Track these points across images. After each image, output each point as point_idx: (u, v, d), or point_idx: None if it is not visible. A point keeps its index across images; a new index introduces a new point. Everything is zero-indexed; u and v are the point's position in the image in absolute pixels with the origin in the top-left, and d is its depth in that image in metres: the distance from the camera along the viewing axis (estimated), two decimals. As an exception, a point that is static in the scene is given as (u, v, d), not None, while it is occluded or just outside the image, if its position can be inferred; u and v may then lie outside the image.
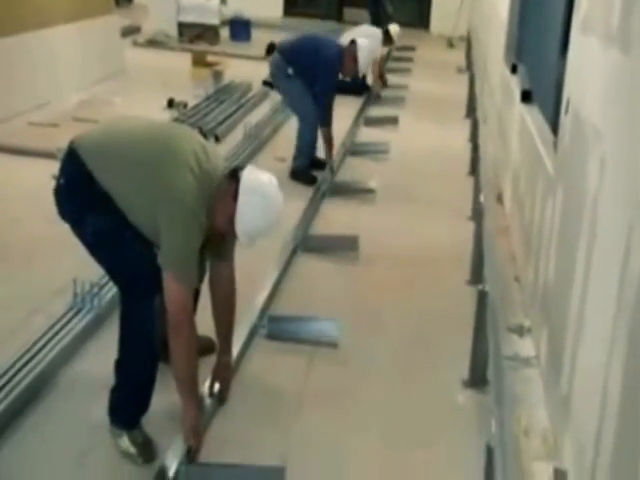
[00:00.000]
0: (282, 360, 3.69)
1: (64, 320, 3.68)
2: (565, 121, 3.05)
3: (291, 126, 7.11)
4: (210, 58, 10.58)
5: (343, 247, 4.96)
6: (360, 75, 6.83)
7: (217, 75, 9.60)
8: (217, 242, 3.05)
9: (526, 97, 4.54)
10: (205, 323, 3.26)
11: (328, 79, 6.11)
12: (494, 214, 4.47)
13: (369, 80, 9.68)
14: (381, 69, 10.18)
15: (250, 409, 3.29)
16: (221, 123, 7.56)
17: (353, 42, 6.29)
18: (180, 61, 10.54)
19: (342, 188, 6.15)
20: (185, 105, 8.13)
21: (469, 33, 14.00)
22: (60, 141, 3.63)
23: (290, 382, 3.52)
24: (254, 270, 4.16)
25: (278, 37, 12.65)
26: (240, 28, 13.30)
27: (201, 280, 3.12)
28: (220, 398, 3.27)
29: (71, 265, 3.84)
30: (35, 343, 3.46)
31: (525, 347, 3.26)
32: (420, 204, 5.99)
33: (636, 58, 2.05)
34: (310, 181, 6.13)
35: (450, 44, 14.60)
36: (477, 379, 3.47)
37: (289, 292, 4.36)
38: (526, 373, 3.00)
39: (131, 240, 2.88)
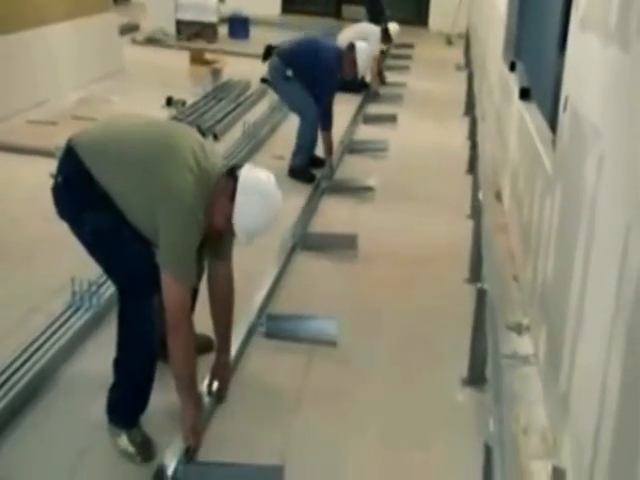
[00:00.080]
0: (281, 359, 3.68)
1: (63, 319, 3.68)
2: (564, 119, 3.05)
3: (290, 124, 7.11)
4: (208, 56, 10.57)
5: (342, 245, 4.96)
6: (359, 76, 6.84)
7: (215, 73, 9.59)
8: (215, 241, 3.05)
9: (525, 95, 4.53)
10: (203, 322, 3.26)
11: (328, 82, 6.12)
12: (493, 212, 4.46)
13: (367, 78, 9.68)
14: (379, 67, 10.17)
15: (249, 408, 3.29)
16: (219, 121, 7.56)
17: (352, 46, 6.30)
18: (178, 59, 10.53)
19: (341, 186, 6.15)
20: (183, 103, 8.13)
21: (468, 30, 13.99)
22: (58, 139, 3.63)
23: (289, 381, 3.52)
24: (252, 268, 4.16)
25: (277, 35, 12.75)
26: (238, 26, 13.28)
27: (199, 279, 3.12)
28: (219, 397, 3.27)
29: (70, 264, 3.84)
30: (34, 342, 3.46)
31: (524, 345, 3.26)
32: (419, 202, 5.99)
33: (635, 55, 2.04)
34: (309, 179, 6.12)
35: (449, 42, 14.59)
36: (476, 377, 3.47)
37: (288, 290, 4.36)
38: (525, 371, 3.00)
39: (129, 239, 2.88)
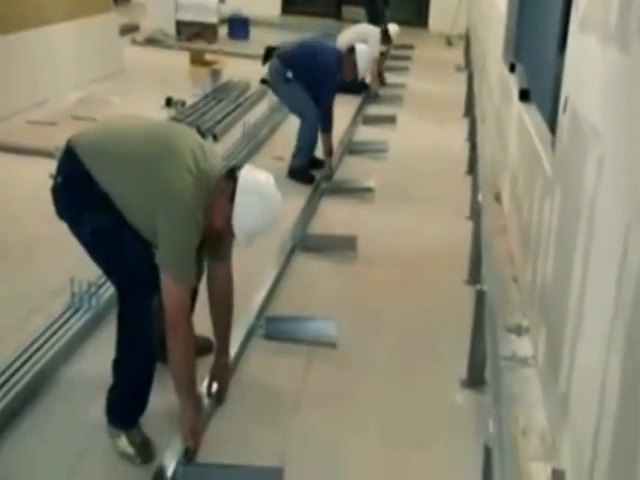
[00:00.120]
0: (280, 360, 3.68)
1: (62, 320, 3.67)
2: (563, 120, 3.05)
3: (289, 125, 7.12)
4: (208, 57, 10.56)
5: (341, 246, 4.96)
6: (359, 78, 6.86)
7: (215, 74, 9.59)
8: (215, 242, 3.05)
9: (524, 96, 4.54)
10: (203, 323, 3.26)
11: (328, 84, 6.13)
12: (492, 213, 4.46)
13: (367, 79, 9.68)
14: (379, 68, 10.17)
15: (248, 409, 3.28)
16: (219, 122, 7.56)
17: (352, 48, 6.31)
18: (178, 60, 10.53)
19: (340, 187, 6.15)
20: (183, 104, 8.13)
21: (468, 31, 13.99)
22: (58, 140, 3.63)
23: (288, 382, 3.52)
24: (252, 269, 4.16)
25: (276, 35, 12.75)
26: (238, 26, 13.28)
27: (199, 280, 3.12)
28: (218, 398, 3.27)
29: (69, 264, 3.84)
30: (33, 343, 3.46)
31: (523, 347, 3.26)
32: (418, 203, 5.99)
33: (634, 56, 2.04)
34: (308, 180, 6.12)
35: (449, 42, 14.60)
36: (475, 379, 3.46)
37: (287, 292, 4.36)
38: (524, 373, 3.00)
39: (129, 239, 2.87)
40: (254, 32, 13.40)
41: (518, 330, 3.43)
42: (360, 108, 8.83)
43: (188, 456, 2.86)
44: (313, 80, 6.04)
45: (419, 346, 3.90)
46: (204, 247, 2.98)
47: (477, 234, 4.31)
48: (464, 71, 11.18)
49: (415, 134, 8.07)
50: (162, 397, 3.07)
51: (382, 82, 10.26)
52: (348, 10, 16.13)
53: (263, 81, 7.99)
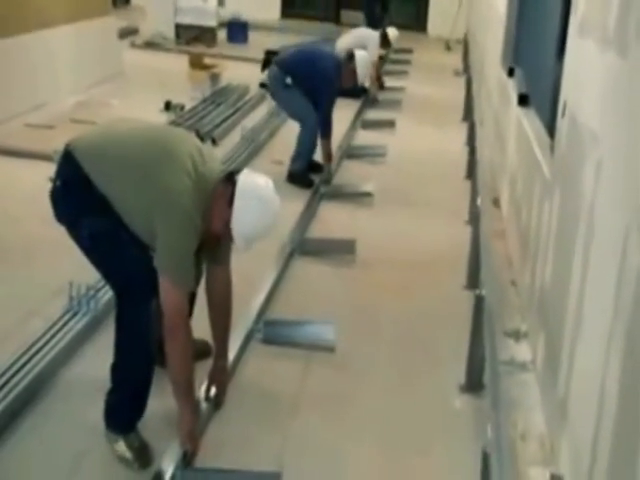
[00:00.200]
0: (278, 364, 3.68)
1: (61, 322, 3.67)
2: (562, 124, 3.05)
3: (288, 129, 7.12)
4: (207, 60, 10.57)
5: (340, 250, 4.96)
6: (359, 84, 6.88)
7: (214, 77, 9.59)
8: (213, 245, 3.05)
9: (523, 100, 4.54)
10: (201, 327, 3.25)
11: (327, 90, 6.13)
12: (491, 218, 4.46)
13: (366, 83, 9.69)
14: (378, 72, 10.18)
15: (246, 413, 3.28)
16: (218, 126, 7.56)
17: (351, 55, 6.32)
18: (177, 63, 10.54)
19: (339, 191, 6.15)
20: (182, 107, 8.13)
21: (466, 36, 14.01)
22: (57, 143, 3.63)
23: (286, 386, 3.52)
24: (251, 273, 4.16)
25: (276, 39, 12.76)
26: (237, 30, 13.30)
27: (197, 283, 3.11)
28: (216, 402, 3.26)
29: (68, 267, 3.83)
30: (32, 345, 3.45)
31: (521, 352, 3.26)
32: (417, 208, 5.99)
33: (633, 61, 2.05)
34: (307, 184, 6.12)
35: (447, 47, 14.61)
36: (474, 384, 3.46)
37: (286, 295, 4.36)
38: (522, 377, 3.00)
39: (127, 243, 2.87)
40: (253, 36, 13.41)
41: (516, 335, 3.43)
42: (359, 112, 8.84)
43: (186, 460, 2.86)
44: (312, 87, 6.05)
45: (417, 350, 3.90)
46: (203, 251, 2.98)
47: (476, 239, 4.31)
48: (463, 75, 11.20)
49: (414, 138, 8.08)
50: (160, 401, 3.06)
51: (381, 86, 10.27)
52: (347, 14, 16.15)
53: (262, 85, 8.01)
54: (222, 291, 3.20)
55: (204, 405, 3.19)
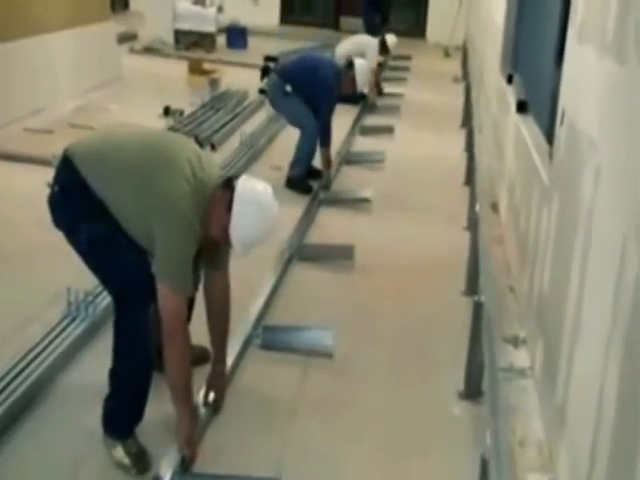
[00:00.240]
0: (277, 370, 3.68)
1: (59, 328, 3.67)
2: (560, 132, 3.05)
3: (287, 135, 7.13)
4: (206, 66, 10.59)
5: (339, 256, 4.96)
6: (358, 91, 6.90)
7: (213, 83, 9.61)
8: (212, 251, 3.05)
9: (522, 107, 4.54)
10: (200, 332, 3.25)
11: (326, 98, 6.16)
12: (489, 223, 4.46)
13: (365, 89, 9.70)
14: (377, 78, 10.20)
15: (245, 419, 3.28)
16: (217, 131, 7.57)
17: (351, 64, 6.34)
18: (176, 69, 10.55)
19: (338, 197, 6.16)
20: (181, 113, 8.14)
21: (465, 42, 14.02)
22: (55, 148, 3.63)
23: (285, 392, 3.52)
24: (250, 278, 4.16)
25: (275, 45, 12.78)
26: (237, 36, 13.33)
27: (196, 288, 3.11)
28: (215, 407, 3.26)
29: (66, 272, 3.83)
30: (30, 351, 3.45)
31: (520, 358, 3.25)
32: (416, 213, 6.00)
33: (632, 68, 2.05)
34: (306, 190, 6.13)
35: (446, 53, 14.64)
36: (472, 390, 3.46)
37: (285, 301, 4.36)
38: (521, 384, 2.99)
39: (125, 248, 2.87)
40: (252, 41, 13.44)
41: (515, 341, 3.42)
42: (358, 119, 8.85)
43: (184, 466, 2.86)
44: (312, 94, 6.07)
45: (416, 356, 3.90)
46: (201, 256, 2.98)
47: (474, 245, 4.31)
48: (461, 82, 11.22)
49: (413, 144, 8.09)
50: (158, 406, 3.06)
51: (380, 92, 10.29)
52: (346, 20, 16.19)
53: (261, 91, 8.02)
54: (221, 296, 3.21)
55: (202, 410, 3.19)
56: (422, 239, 5.46)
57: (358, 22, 12.81)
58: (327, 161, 6.31)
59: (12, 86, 7.25)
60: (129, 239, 2.86)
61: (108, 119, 7.40)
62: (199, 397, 3.22)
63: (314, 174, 6.36)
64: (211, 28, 12.68)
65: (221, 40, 13.18)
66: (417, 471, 3.06)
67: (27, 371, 3.31)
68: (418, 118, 9.28)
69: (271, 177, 5.33)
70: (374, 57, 9.31)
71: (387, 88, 10.66)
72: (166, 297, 2.77)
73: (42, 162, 5.73)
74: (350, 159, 7.27)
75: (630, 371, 1.83)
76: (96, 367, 3.26)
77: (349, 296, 4.52)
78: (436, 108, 9.96)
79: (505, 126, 5.33)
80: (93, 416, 3.03)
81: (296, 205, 5.69)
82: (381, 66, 11.04)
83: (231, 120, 8.07)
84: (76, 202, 2.90)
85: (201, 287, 3.19)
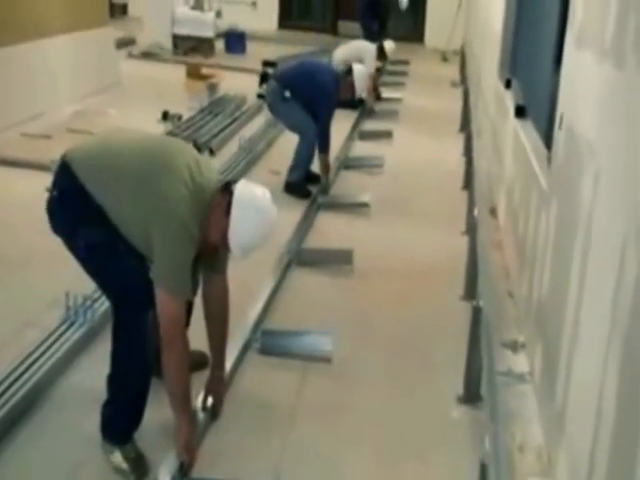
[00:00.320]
0: (276, 375, 3.67)
1: (57, 333, 3.66)
2: (559, 136, 3.05)
3: (286, 139, 7.13)
4: (205, 71, 10.60)
5: (337, 261, 4.96)
6: (357, 97, 6.91)
7: (212, 88, 9.61)
8: (210, 255, 3.04)
9: (520, 112, 4.55)
10: (198, 337, 3.25)
11: (325, 103, 6.16)
12: (488, 228, 4.46)
13: (363, 94, 9.71)
14: (375, 83, 10.21)
15: (243, 424, 3.27)
16: (215, 136, 7.57)
17: (350, 70, 6.35)
18: (175, 73, 10.56)
19: (337, 202, 6.16)
20: (180, 117, 8.14)
21: (463, 47, 14.04)
22: (53, 153, 3.63)
23: (284, 396, 3.51)
24: (248, 283, 4.15)
25: (273, 50, 12.79)
26: (235, 41, 13.34)
27: (194, 293, 3.11)
28: (213, 413, 3.25)
29: (65, 277, 3.82)
30: (28, 356, 3.45)
31: (519, 363, 3.25)
32: (414, 218, 6.00)
33: (630, 73, 2.05)
34: (305, 195, 6.13)
35: (444, 58, 14.66)
36: (471, 395, 3.46)
37: (283, 305, 4.35)
38: (520, 389, 2.99)
39: (124, 254, 2.87)
40: (251, 46, 13.46)
41: (514, 346, 3.42)
42: (356, 123, 8.86)
43: (183, 471, 2.85)
44: (311, 100, 6.08)
45: (415, 361, 3.89)
46: (200, 260, 2.97)
47: (473, 249, 4.31)
48: (460, 87, 11.24)
49: (411, 149, 8.10)
50: (157, 412, 3.06)
51: (378, 97, 10.30)
52: (345, 25, 16.20)
53: (260, 96, 8.02)
54: (219, 301, 3.20)
55: (201, 415, 3.19)
56: (421, 244, 5.46)
57: (356, 27, 12.82)
58: (325, 167, 6.32)
59: (10, 91, 7.25)
60: (128, 244, 2.86)
61: (106, 124, 7.41)
62: (198, 402, 3.21)
63: (313, 179, 6.36)
64: (209, 33, 12.70)
65: (219, 45, 13.19)
66: (416, 476, 3.06)
67: (25, 376, 3.30)
68: (416, 123, 9.29)
69: (270, 182, 5.33)
70: (372, 62, 9.32)
71: (385, 93, 10.67)
72: (164, 302, 2.77)
73: (40, 167, 5.73)
74: (349, 164, 7.27)
75: (629, 376, 1.83)
76: (94, 372, 3.25)
77: (348, 301, 4.52)
78: (434, 113, 9.97)
79: (503, 131, 5.33)
80: (91, 421, 3.03)
81: (295, 209, 5.68)
82: (379, 71, 11.05)
83: (229, 125, 8.07)
84: (74, 207, 2.90)
85: (200, 292, 3.19)
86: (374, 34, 11.37)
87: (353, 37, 10.80)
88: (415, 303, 4.52)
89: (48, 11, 7.87)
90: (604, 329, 2.05)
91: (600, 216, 2.28)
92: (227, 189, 2.88)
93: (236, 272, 3.31)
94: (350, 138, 8.14)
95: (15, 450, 2.99)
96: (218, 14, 13.35)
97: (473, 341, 3.40)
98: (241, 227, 2.84)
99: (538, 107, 4.06)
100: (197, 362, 3.35)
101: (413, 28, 16.52)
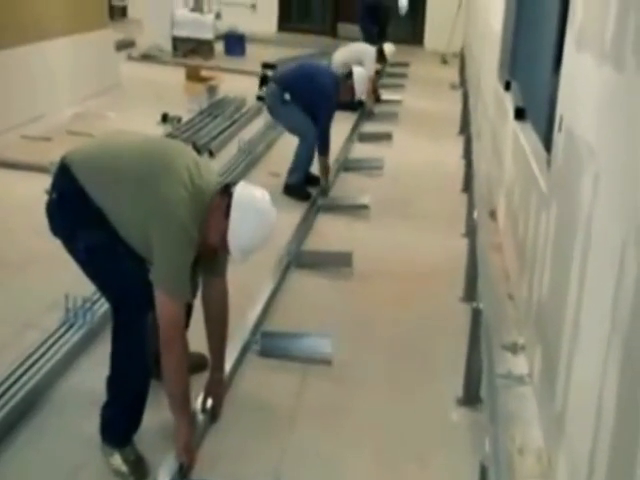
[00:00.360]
0: (275, 377, 3.67)
1: (57, 335, 3.66)
2: (558, 138, 3.05)
3: (285, 141, 7.13)
4: (204, 73, 10.60)
5: (337, 263, 4.96)
6: (356, 99, 6.92)
7: (211, 90, 9.62)
8: (210, 257, 3.04)
9: (519, 114, 4.55)
10: (198, 339, 3.24)
11: (326, 105, 6.16)
12: (487, 230, 4.46)
13: (362, 96, 9.71)
14: (374, 85, 10.22)
15: (243, 426, 3.27)
16: (215, 138, 7.57)
17: (350, 73, 6.36)
18: (174, 75, 10.56)
19: (336, 204, 6.16)
20: (179, 120, 8.14)
21: (463, 49, 14.05)
22: (53, 155, 3.63)
23: (283, 398, 3.51)
24: (247, 285, 4.15)
25: (272, 52, 12.80)
26: (234, 43, 13.35)
27: (194, 295, 3.11)
28: (213, 414, 3.25)
29: (64, 279, 3.82)
30: (28, 358, 3.44)
31: (519, 365, 3.25)
32: (414, 220, 6.00)
33: (630, 75, 2.05)
34: (304, 197, 6.13)
35: (444, 60, 14.67)
36: (471, 397, 3.46)
37: (283, 308, 4.35)
38: (520, 391, 2.99)
39: (123, 256, 2.87)
40: (250, 48, 13.46)
41: (514, 348, 3.42)
42: (356, 125, 8.86)
43: (182, 473, 2.85)
44: (311, 102, 6.08)
45: (415, 363, 3.89)
46: (199, 263, 2.97)
47: (473, 252, 4.31)
48: (459, 89, 11.24)
49: (411, 151, 8.10)
50: (156, 414, 3.06)
51: (377, 99, 10.30)
52: (344, 28, 16.21)
53: (259, 98, 8.02)
54: (218, 302, 3.20)
55: (200, 417, 3.18)
56: (420, 246, 5.46)
57: (356, 29, 12.83)
58: (325, 169, 6.31)
59: (10, 93, 7.26)
60: (127, 247, 2.86)
61: (106, 126, 7.41)
62: (197, 404, 3.21)
63: (312, 181, 6.36)
64: (209, 35, 12.70)
65: (219, 47, 13.20)
66: (416, 478, 3.06)
67: (25, 378, 3.30)
68: (416, 125, 9.29)
69: (269, 184, 5.33)
70: (371, 65, 9.32)
71: (385, 95, 10.68)
72: (164, 304, 2.77)
73: (40, 169, 5.72)
74: (348, 166, 7.27)
75: (629, 377, 1.83)
76: (94, 374, 3.25)
77: (347, 303, 4.52)
78: (434, 115, 9.97)
79: (503, 133, 5.33)
80: (91, 424, 3.02)
81: (294, 211, 5.68)
82: (378, 74, 11.06)
83: (229, 127, 8.07)
84: (74, 210, 2.90)
85: (199, 294, 3.19)
86: (374, 37, 11.38)
87: (353, 39, 10.81)
88: (415, 305, 4.52)
89: (48, 13, 7.87)
90: (604, 330, 2.05)
91: (600, 218, 2.27)
92: (226, 191, 2.88)
93: (235, 274, 3.31)
94: (350, 140, 8.14)
95: (15, 452, 2.99)
96: (217, 16, 13.36)
97: (473, 343, 3.40)
98: (240, 229, 2.84)
99: (538, 109, 4.06)
100: (196, 364, 3.35)
101: (412, 31, 16.53)
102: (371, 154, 7.64)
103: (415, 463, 3.13)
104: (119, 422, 2.99)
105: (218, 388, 3.29)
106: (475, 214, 4.54)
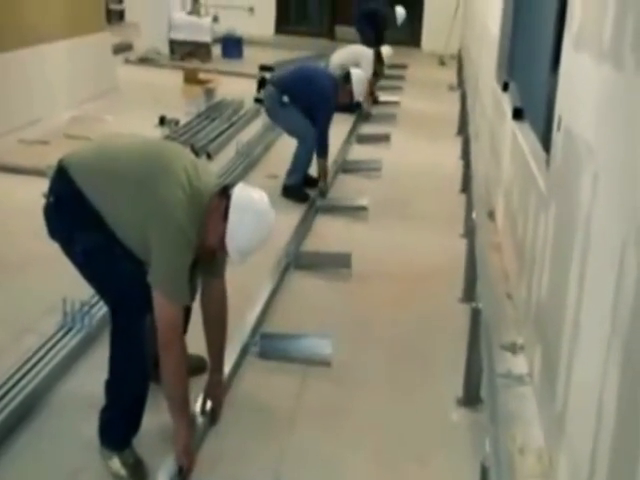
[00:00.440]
0: (275, 378, 3.66)
1: (55, 339, 3.65)
2: (557, 138, 3.05)
3: (283, 143, 7.13)
4: (202, 75, 10.61)
5: (336, 264, 4.95)
6: (354, 101, 6.93)
7: (209, 92, 9.62)
8: (208, 259, 3.04)
9: (518, 114, 4.55)
10: (197, 342, 3.24)
11: (324, 108, 6.16)
12: (486, 231, 4.46)
13: (360, 98, 9.71)
14: (371, 87, 10.21)
15: (243, 428, 3.26)
16: (213, 140, 7.57)
17: (347, 76, 6.36)
18: (172, 78, 10.57)
19: (335, 205, 6.15)
20: (177, 122, 8.14)
21: (460, 51, 14.06)
22: (51, 158, 3.62)
23: (283, 400, 3.50)
24: (246, 287, 4.14)
25: (270, 55, 12.80)
26: (232, 46, 13.36)
27: (193, 298, 3.10)
28: (212, 417, 3.24)
29: (62, 283, 3.81)
30: (26, 362, 3.43)
31: (519, 364, 3.25)
32: (412, 221, 6.00)
33: (629, 74, 2.05)
34: (302, 199, 6.13)
35: (441, 62, 14.68)
36: (471, 397, 3.45)
37: (282, 309, 4.35)
38: (520, 391, 2.98)
39: (121, 259, 2.86)
40: (248, 51, 13.47)
41: (513, 348, 3.42)
42: (354, 127, 8.86)
43: (182, 475, 2.84)
44: (309, 105, 6.08)
45: (414, 364, 3.88)
46: (198, 265, 2.97)
47: (471, 252, 4.31)
48: (457, 90, 11.24)
49: (409, 152, 8.10)
50: (155, 417, 3.05)
51: (374, 101, 10.30)
52: (341, 30, 16.22)
53: (257, 100, 8.02)
54: (217, 304, 3.19)
55: (200, 420, 3.17)
56: (419, 247, 5.46)
57: (353, 32, 12.83)
58: (324, 171, 6.31)
59: (8, 97, 7.25)
60: (125, 249, 2.85)
61: (104, 129, 7.40)
62: (197, 406, 3.20)
63: (311, 182, 6.36)
64: (206, 38, 12.70)
65: (216, 50, 13.20)
66: (416, 478, 3.05)
67: (23, 382, 3.29)
68: (414, 126, 9.29)
69: (267, 185, 5.33)
70: (369, 67, 9.33)
71: (383, 96, 10.68)
72: (162, 307, 2.76)
73: (38, 173, 5.71)
74: (347, 167, 7.27)
75: (630, 377, 1.82)
76: (92, 378, 3.24)
77: (346, 304, 4.51)
78: (432, 116, 9.97)
79: (501, 133, 5.33)
80: (90, 427, 3.02)
81: (293, 213, 5.68)
82: (376, 76, 11.06)
83: (227, 129, 8.07)
84: (71, 212, 2.89)
85: (198, 296, 3.18)
86: (371, 39, 11.38)
87: (350, 42, 10.81)
88: (414, 306, 4.52)
89: (45, 17, 7.87)
90: (604, 330, 2.04)
91: (599, 218, 2.27)
92: (225, 193, 2.88)
93: (234, 275, 3.30)
94: (348, 142, 8.14)
95: (13, 456, 2.98)
96: (215, 19, 13.37)
97: (472, 343, 3.40)
98: (239, 231, 2.83)
99: (536, 109, 4.05)
100: (195, 366, 3.34)
101: (410, 32, 16.52)
102: (369, 156, 7.64)
103: (415, 463, 3.12)
104: (118, 425, 2.98)
105: (217, 390, 3.28)
106: (474, 214, 4.54)
